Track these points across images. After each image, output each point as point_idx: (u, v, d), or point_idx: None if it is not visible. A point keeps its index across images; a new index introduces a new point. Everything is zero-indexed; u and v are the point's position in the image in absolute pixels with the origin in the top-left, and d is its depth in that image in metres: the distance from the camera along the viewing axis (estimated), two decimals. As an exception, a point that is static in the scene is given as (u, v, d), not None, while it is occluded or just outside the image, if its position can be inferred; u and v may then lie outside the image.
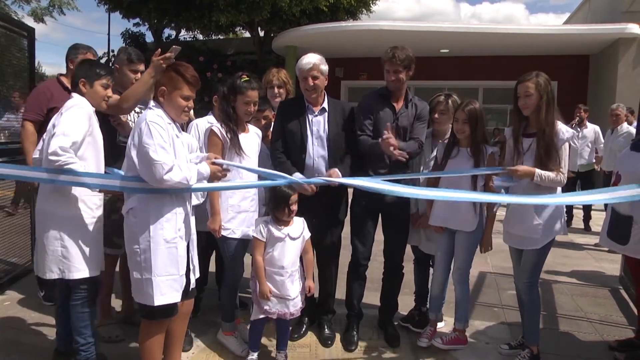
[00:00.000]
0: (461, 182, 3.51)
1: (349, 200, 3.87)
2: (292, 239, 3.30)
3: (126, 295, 4.04)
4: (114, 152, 3.53)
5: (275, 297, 3.27)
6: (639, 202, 3.39)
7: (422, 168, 3.97)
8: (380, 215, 3.83)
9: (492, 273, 5.69)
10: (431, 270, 3.97)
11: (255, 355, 3.43)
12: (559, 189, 3.38)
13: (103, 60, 16.73)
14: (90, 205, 3.06)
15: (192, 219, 3.04)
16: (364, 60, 14.91)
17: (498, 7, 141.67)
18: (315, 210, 3.65)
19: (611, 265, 6.09)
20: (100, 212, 3.15)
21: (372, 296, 4.13)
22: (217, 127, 3.42)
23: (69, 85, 3.83)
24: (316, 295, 3.99)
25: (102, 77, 3.12)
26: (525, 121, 3.43)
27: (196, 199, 3.23)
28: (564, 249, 6.81)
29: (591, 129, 8.39)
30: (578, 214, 9.00)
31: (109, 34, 28.80)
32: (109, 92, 3.18)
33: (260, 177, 3.47)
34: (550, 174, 3.25)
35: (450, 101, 3.80)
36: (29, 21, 21.96)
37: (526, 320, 3.55)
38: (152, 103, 2.86)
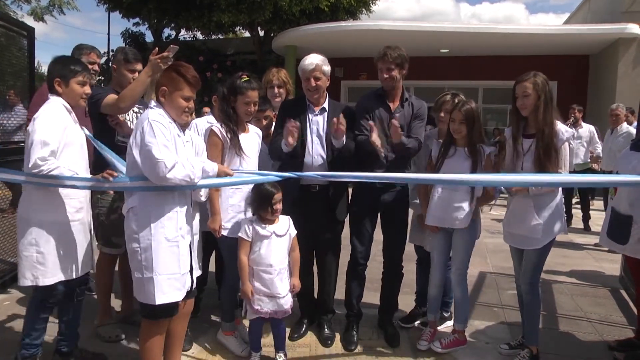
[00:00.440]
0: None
1: (349, 200, 3.87)
2: (278, 236, 3.30)
3: (126, 295, 4.04)
4: (113, 151, 3.52)
5: (265, 296, 3.26)
6: (639, 202, 3.39)
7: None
8: (379, 214, 3.83)
9: (492, 273, 5.68)
10: None
11: (257, 356, 3.43)
12: (559, 188, 3.38)
13: (103, 60, 16.72)
14: (70, 209, 3.01)
15: (197, 217, 3.05)
16: (364, 60, 14.85)
17: (498, 7, 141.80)
18: (315, 210, 3.65)
19: (611, 265, 6.09)
20: (82, 214, 3.09)
21: (371, 296, 4.13)
22: (217, 127, 3.42)
23: None
24: (316, 295, 4.00)
25: (78, 74, 3.05)
26: (525, 122, 3.42)
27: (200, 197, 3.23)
28: (564, 249, 6.81)
29: (586, 129, 8.42)
30: (577, 214, 9.00)
31: (108, 33, 28.79)
32: (87, 89, 3.10)
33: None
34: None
35: (457, 100, 3.80)
36: (29, 20, 21.94)
37: (526, 320, 3.55)
38: (153, 103, 2.85)
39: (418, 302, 4.21)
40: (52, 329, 3.35)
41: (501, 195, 3.58)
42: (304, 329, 3.92)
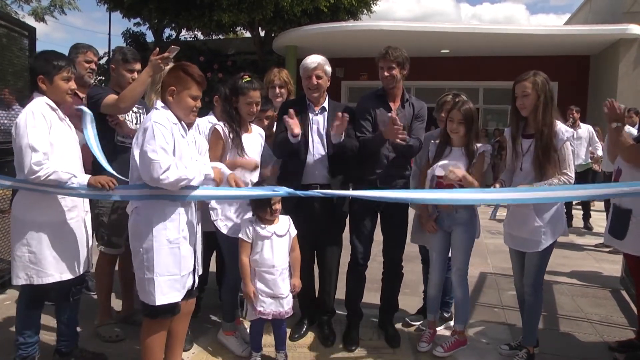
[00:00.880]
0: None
1: (349, 200, 3.87)
2: (279, 236, 3.30)
3: (126, 295, 4.04)
4: (113, 151, 3.53)
5: (268, 297, 3.26)
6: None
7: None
8: (379, 214, 3.83)
9: (493, 273, 5.68)
10: None
11: (258, 356, 3.43)
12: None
13: (104, 60, 16.72)
14: (62, 209, 2.98)
15: (198, 217, 3.04)
16: (365, 60, 14.85)
17: (498, 8, 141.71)
18: (316, 210, 3.65)
19: (611, 265, 6.09)
20: (75, 212, 3.05)
21: (372, 296, 4.12)
22: (220, 126, 3.43)
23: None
24: (316, 295, 4.00)
25: (62, 69, 2.94)
26: (524, 122, 3.40)
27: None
28: (564, 250, 6.80)
29: (585, 129, 8.42)
30: (578, 214, 9.01)
31: (109, 33, 28.83)
32: (72, 84, 3.01)
33: (259, 182, 3.48)
34: (552, 182, 3.22)
35: (457, 100, 3.80)
36: (30, 21, 21.97)
37: (526, 321, 3.54)
38: (159, 104, 2.85)
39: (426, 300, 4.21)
40: (52, 329, 3.35)
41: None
42: (304, 329, 3.92)
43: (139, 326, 3.79)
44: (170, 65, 3.85)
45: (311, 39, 13.59)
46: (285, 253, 3.33)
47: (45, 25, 25.81)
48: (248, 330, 3.62)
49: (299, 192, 3.10)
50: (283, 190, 3.06)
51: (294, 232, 3.39)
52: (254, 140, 3.58)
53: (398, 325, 4.05)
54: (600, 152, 8.20)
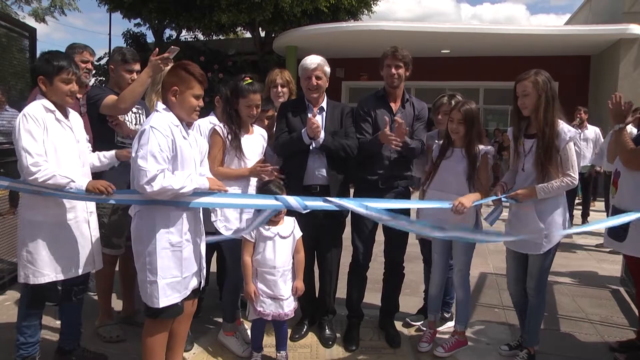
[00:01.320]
0: (452, 183, 3.48)
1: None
2: (282, 237, 3.29)
3: (126, 296, 4.04)
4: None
5: (269, 298, 3.26)
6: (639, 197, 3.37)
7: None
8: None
9: (493, 274, 5.68)
10: None
11: (258, 356, 3.43)
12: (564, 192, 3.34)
13: (104, 61, 16.72)
14: (59, 209, 2.98)
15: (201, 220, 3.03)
16: (365, 60, 14.89)
17: (499, 8, 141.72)
18: (317, 211, 3.64)
19: (612, 266, 6.09)
20: (74, 214, 3.04)
21: (372, 297, 4.13)
22: (220, 127, 3.43)
23: None
24: (317, 295, 3.99)
25: (62, 71, 2.92)
26: (527, 121, 3.37)
27: None
28: (565, 250, 6.80)
29: (592, 130, 8.41)
30: (578, 214, 9.02)
31: (110, 34, 28.82)
32: (73, 86, 2.98)
33: (259, 188, 3.46)
34: (554, 184, 3.19)
35: (453, 102, 3.80)
36: (30, 21, 21.99)
37: (530, 322, 3.52)
38: (160, 106, 2.81)
39: (427, 301, 4.20)
40: (53, 329, 3.35)
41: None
42: (305, 329, 3.92)
43: (139, 327, 3.79)
44: (171, 65, 3.86)
45: (311, 39, 13.59)
46: (288, 255, 3.32)
47: (46, 25, 25.95)
48: (248, 331, 3.63)
49: (300, 203, 3.03)
50: (285, 201, 3.02)
51: (298, 233, 3.38)
52: (255, 142, 3.58)
53: (398, 326, 4.05)
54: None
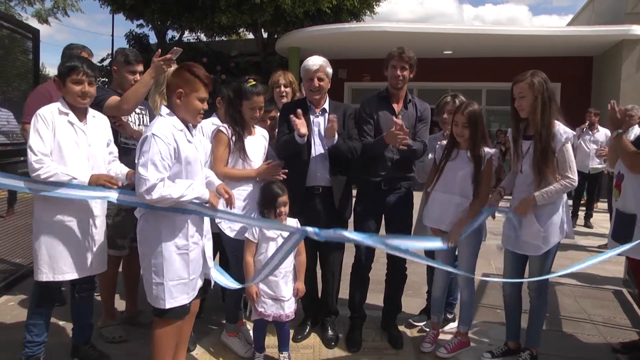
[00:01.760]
0: (457, 185, 3.49)
1: (353, 201, 3.87)
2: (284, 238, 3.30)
3: (129, 297, 4.05)
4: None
5: (270, 299, 3.27)
6: None
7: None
8: (383, 216, 3.83)
9: (496, 275, 5.67)
10: None
11: (261, 356, 3.44)
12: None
13: (107, 62, 16.74)
14: (62, 209, 2.99)
15: (207, 221, 3.03)
16: (368, 61, 14.89)
17: (501, 9, 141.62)
18: (319, 211, 3.66)
19: (615, 267, 6.07)
20: (79, 214, 3.05)
21: (375, 297, 4.13)
22: (225, 127, 3.43)
23: None
24: (319, 296, 4.00)
25: (73, 72, 2.97)
26: (525, 122, 3.37)
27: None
28: (568, 251, 6.79)
29: (602, 133, 8.41)
30: (580, 216, 9.01)
31: (112, 35, 28.81)
32: (84, 87, 3.00)
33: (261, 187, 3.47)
34: (553, 188, 3.18)
35: (457, 101, 3.81)
36: (33, 22, 22.04)
37: (532, 324, 3.52)
38: (164, 110, 2.81)
39: (430, 301, 4.20)
40: (55, 329, 3.36)
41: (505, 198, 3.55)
42: (307, 330, 3.92)
43: (142, 327, 3.83)
44: (174, 67, 3.86)
45: (314, 40, 13.59)
46: (290, 256, 3.33)
47: (49, 27, 25.93)
48: (251, 332, 3.63)
49: (314, 233, 2.96)
50: (299, 233, 2.98)
51: None
52: (258, 143, 3.58)
53: (401, 327, 4.05)
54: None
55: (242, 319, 3.82)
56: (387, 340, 3.86)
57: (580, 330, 4.20)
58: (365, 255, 3.80)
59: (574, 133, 3.33)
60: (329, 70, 3.70)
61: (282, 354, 3.43)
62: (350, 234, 3.08)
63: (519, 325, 3.62)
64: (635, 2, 13.06)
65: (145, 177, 2.59)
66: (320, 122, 3.73)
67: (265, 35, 16.69)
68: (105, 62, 16.70)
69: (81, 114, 3.09)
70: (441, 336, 3.85)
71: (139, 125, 3.81)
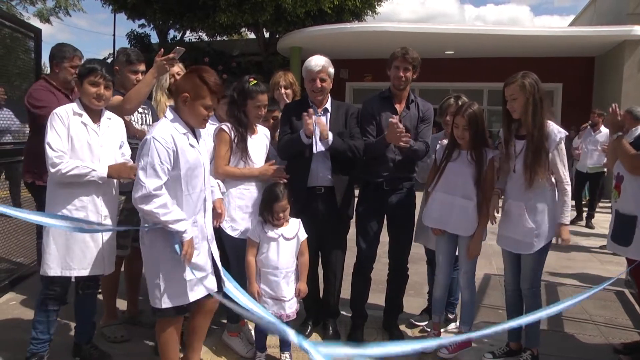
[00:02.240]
0: (459, 186, 3.48)
1: (355, 201, 3.87)
2: (286, 239, 3.29)
3: (130, 297, 4.05)
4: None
5: (270, 299, 3.27)
6: None
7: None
8: (385, 216, 3.82)
9: (497, 275, 5.67)
10: None
11: (262, 356, 3.44)
12: (550, 194, 3.35)
13: (108, 62, 16.75)
14: (70, 207, 3.03)
15: (210, 221, 3.02)
16: (369, 61, 14.90)
17: (502, 9, 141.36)
18: (321, 211, 3.65)
19: (616, 267, 6.08)
20: (84, 213, 3.06)
21: (376, 297, 4.12)
22: (227, 126, 3.43)
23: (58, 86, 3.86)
24: (321, 296, 4.00)
25: (90, 73, 3.05)
26: (518, 123, 3.37)
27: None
28: (569, 252, 6.79)
29: (604, 134, 8.42)
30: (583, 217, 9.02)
31: (114, 35, 28.79)
32: (100, 89, 3.07)
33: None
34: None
35: (460, 102, 3.80)
36: (35, 22, 22.05)
37: (530, 323, 3.50)
38: (168, 113, 2.81)
39: (431, 301, 4.20)
40: (57, 328, 3.36)
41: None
42: (309, 330, 3.92)
43: (143, 327, 3.83)
44: (177, 66, 3.87)
45: (315, 40, 13.59)
46: (291, 256, 3.32)
47: (50, 26, 25.91)
48: (252, 332, 3.63)
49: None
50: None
51: (303, 235, 3.38)
52: (260, 142, 3.58)
53: (402, 327, 4.05)
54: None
55: (244, 319, 3.81)
56: (388, 340, 3.85)
57: (581, 330, 4.20)
58: (367, 256, 3.80)
59: (567, 133, 3.35)
60: (332, 70, 3.69)
61: (283, 354, 3.44)
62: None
63: (521, 326, 3.62)
64: (637, 3, 13.05)
65: (143, 183, 2.61)
66: (322, 121, 3.72)
67: (267, 35, 16.69)
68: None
69: (95, 116, 3.15)
70: (443, 336, 3.85)
71: (141, 124, 3.82)
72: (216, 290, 2.95)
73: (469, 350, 3.69)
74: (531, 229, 3.30)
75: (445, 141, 3.68)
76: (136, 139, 3.64)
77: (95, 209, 3.10)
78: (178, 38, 18.80)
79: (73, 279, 3.18)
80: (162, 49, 3.53)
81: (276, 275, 3.25)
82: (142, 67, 3.78)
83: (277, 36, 15.81)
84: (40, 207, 3.67)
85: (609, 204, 8.79)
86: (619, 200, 3.62)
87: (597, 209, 9.07)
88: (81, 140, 3.04)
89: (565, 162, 3.32)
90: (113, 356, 3.43)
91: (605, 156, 8.22)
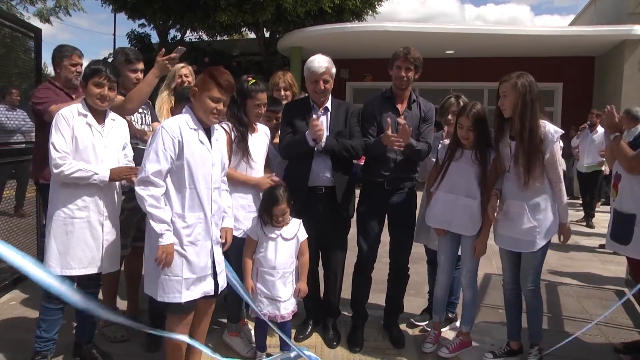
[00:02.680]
0: (462, 185, 3.48)
1: (356, 201, 3.87)
2: (285, 239, 3.29)
3: (131, 296, 4.05)
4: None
5: (266, 298, 3.27)
6: None
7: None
8: (386, 216, 3.82)
9: (497, 274, 5.67)
10: None
11: (263, 355, 3.44)
12: (549, 191, 3.34)
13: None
14: (72, 206, 3.06)
15: (218, 223, 3.02)
16: (369, 61, 14.89)
17: (503, 9, 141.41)
18: (322, 211, 3.65)
19: (617, 267, 6.08)
20: (86, 213, 3.08)
21: (377, 297, 4.12)
22: (228, 125, 3.43)
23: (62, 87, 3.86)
24: (321, 296, 4.00)
25: (95, 74, 3.08)
26: (511, 122, 3.34)
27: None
28: (569, 251, 6.79)
29: (600, 134, 8.45)
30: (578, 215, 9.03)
31: (114, 34, 28.76)
32: (104, 90, 3.09)
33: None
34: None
35: (461, 102, 3.80)
36: (35, 22, 22.04)
37: (532, 321, 3.53)
38: (185, 109, 2.91)
39: (431, 302, 4.20)
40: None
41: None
42: (309, 329, 3.92)
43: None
44: (186, 68, 3.91)
45: (316, 40, 13.58)
46: (289, 256, 3.32)
47: (51, 26, 25.84)
48: (252, 331, 3.63)
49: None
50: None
51: (303, 236, 3.37)
52: (260, 141, 3.58)
53: (403, 326, 4.05)
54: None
55: (244, 319, 3.82)
56: (389, 340, 3.86)
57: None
58: (367, 255, 3.79)
59: (562, 131, 3.34)
60: (334, 70, 3.67)
61: (284, 353, 3.43)
62: None
63: (520, 325, 3.62)
64: (637, 2, 13.03)
65: (145, 166, 2.71)
66: (322, 121, 3.70)
67: (267, 34, 16.69)
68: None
69: (100, 117, 3.17)
70: (443, 336, 3.85)
71: (141, 124, 3.82)
72: (212, 294, 2.95)
73: (470, 349, 3.69)
74: (532, 227, 3.29)
75: (447, 141, 3.67)
76: (136, 139, 3.65)
77: (97, 209, 3.12)
78: (178, 38, 18.79)
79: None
80: (163, 49, 3.53)
81: (273, 275, 3.25)
82: (141, 66, 3.78)
83: (278, 36, 15.80)
84: (44, 205, 3.68)
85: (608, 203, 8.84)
86: (617, 199, 3.62)
87: (597, 209, 9.09)
88: (85, 141, 3.06)
89: (561, 160, 3.34)
90: (113, 356, 3.43)
91: (600, 155, 8.29)
